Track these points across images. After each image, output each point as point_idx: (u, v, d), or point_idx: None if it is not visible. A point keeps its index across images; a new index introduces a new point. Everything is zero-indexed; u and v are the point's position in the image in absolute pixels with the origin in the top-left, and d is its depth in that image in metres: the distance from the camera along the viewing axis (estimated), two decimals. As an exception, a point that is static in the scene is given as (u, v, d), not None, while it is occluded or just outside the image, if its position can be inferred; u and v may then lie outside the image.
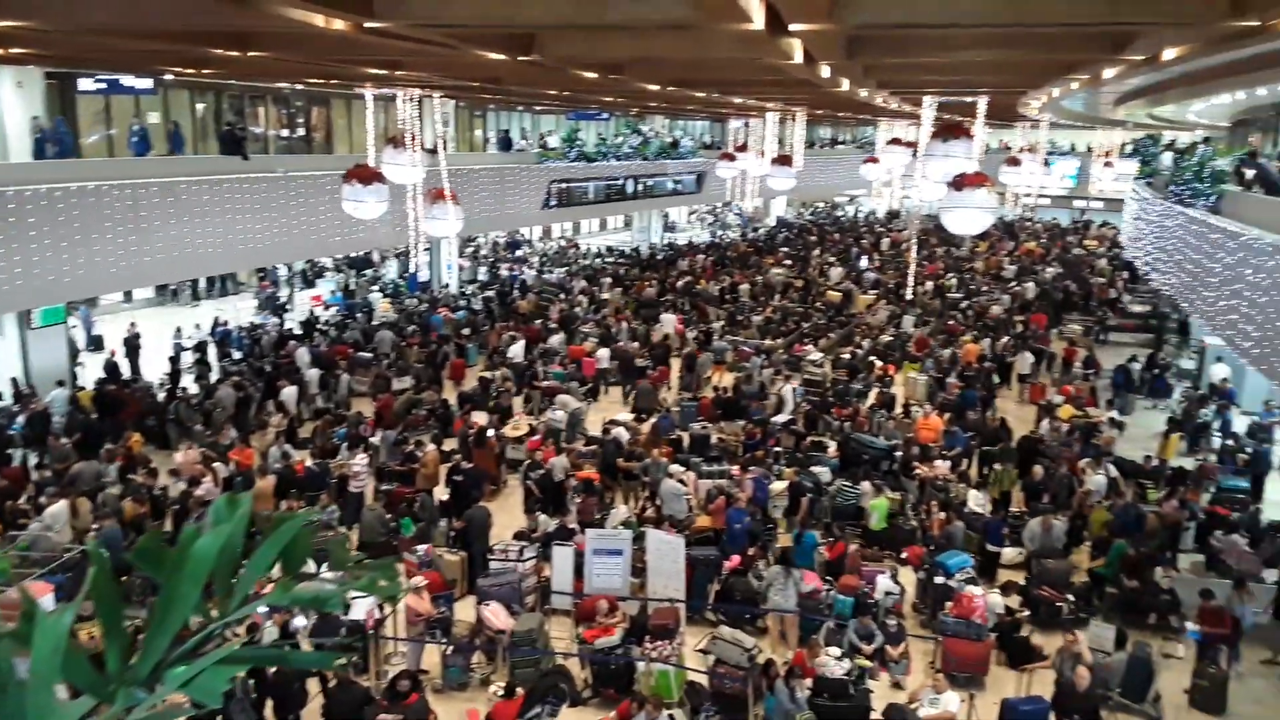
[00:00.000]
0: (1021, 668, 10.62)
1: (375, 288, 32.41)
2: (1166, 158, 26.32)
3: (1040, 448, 16.24)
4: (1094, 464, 15.07)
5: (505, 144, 32.79)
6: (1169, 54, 9.55)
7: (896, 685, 10.63)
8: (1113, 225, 43.41)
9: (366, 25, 7.85)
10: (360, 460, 14.57)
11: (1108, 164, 33.37)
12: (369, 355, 21.63)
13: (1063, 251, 40.10)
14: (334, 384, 19.61)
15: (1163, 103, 19.91)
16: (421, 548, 12.14)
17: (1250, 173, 17.61)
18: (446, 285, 30.51)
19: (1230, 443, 17.81)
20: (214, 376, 20.32)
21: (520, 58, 10.22)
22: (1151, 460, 16.25)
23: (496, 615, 10.74)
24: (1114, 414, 19.63)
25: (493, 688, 9.98)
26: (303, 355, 20.54)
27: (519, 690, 9.39)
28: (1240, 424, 18.77)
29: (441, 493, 14.36)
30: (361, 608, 10.55)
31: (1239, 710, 10.45)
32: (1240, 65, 11.87)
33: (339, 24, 7.78)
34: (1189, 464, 16.63)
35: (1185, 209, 18.57)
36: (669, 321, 24.98)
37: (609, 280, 31.49)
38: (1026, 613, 11.84)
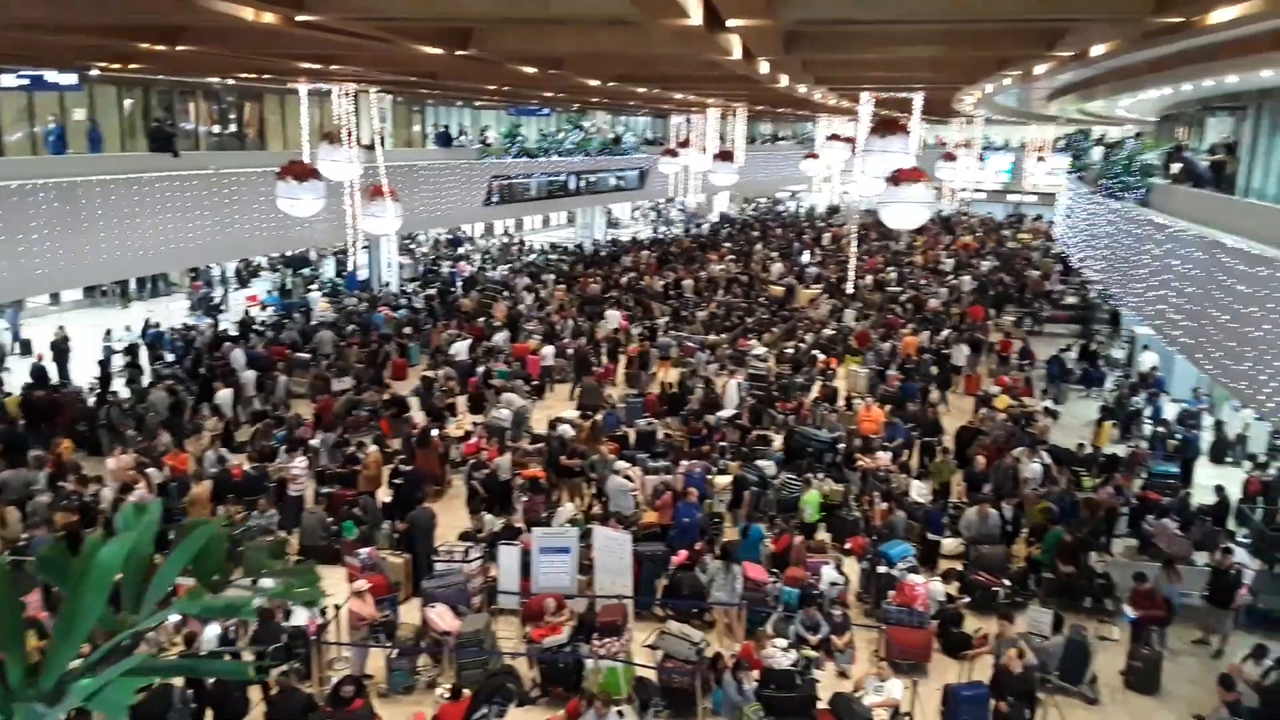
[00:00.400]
0: (961, 655, 10.83)
1: (314, 287, 31.85)
2: (1097, 152, 27.07)
3: (979, 437, 16.52)
4: (1029, 453, 15.39)
5: (445, 140, 32.44)
6: (1098, 49, 9.77)
7: (842, 674, 10.75)
8: (1046, 219, 44.44)
9: (298, 19, 7.67)
10: (299, 463, 14.31)
11: (1041, 159, 34.19)
12: (307, 356, 21.26)
13: (998, 245, 40.92)
14: (271, 386, 19.23)
15: (1093, 98, 20.38)
16: (364, 551, 11.94)
17: (1177, 166, 18.15)
18: (387, 283, 30.11)
19: (1161, 430, 18.33)
20: (146, 380, 19.83)
21: (458, 52, 10.10)
22: (1085, 448, 16.65)
23: (442, 617, 10.62)
24: (1049, 403, 20.09)
25: (439, 690, 9.87)
26: (238, 357, 20.10)
27: (465, 691, 9.30)
28: (1170, 411, 19.33)
29: (385, 494, 14.17)
30: (303, 613, 10.37)
31: (1172, 690, 10.77)
32: (1166, 61, 12.19)
33: (269, 17, 7.61)
34: (1122, 451, 17.08)
35: (1115, 202, 19.05)
36: (614, 318, 24.96)
37: (552, 277, 31.39)
38: (966, 599, 12.07)
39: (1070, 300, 30.30)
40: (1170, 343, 15.37)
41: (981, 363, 22.80)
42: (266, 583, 1.50)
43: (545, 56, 12.58)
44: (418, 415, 17.35)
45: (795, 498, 14.23)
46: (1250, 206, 14.94)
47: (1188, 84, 15.50)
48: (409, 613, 11.39)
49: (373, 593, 10.83)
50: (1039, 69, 12.14)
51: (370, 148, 18.06)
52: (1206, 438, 18.25)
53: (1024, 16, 8.04)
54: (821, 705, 9.48)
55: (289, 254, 33.68)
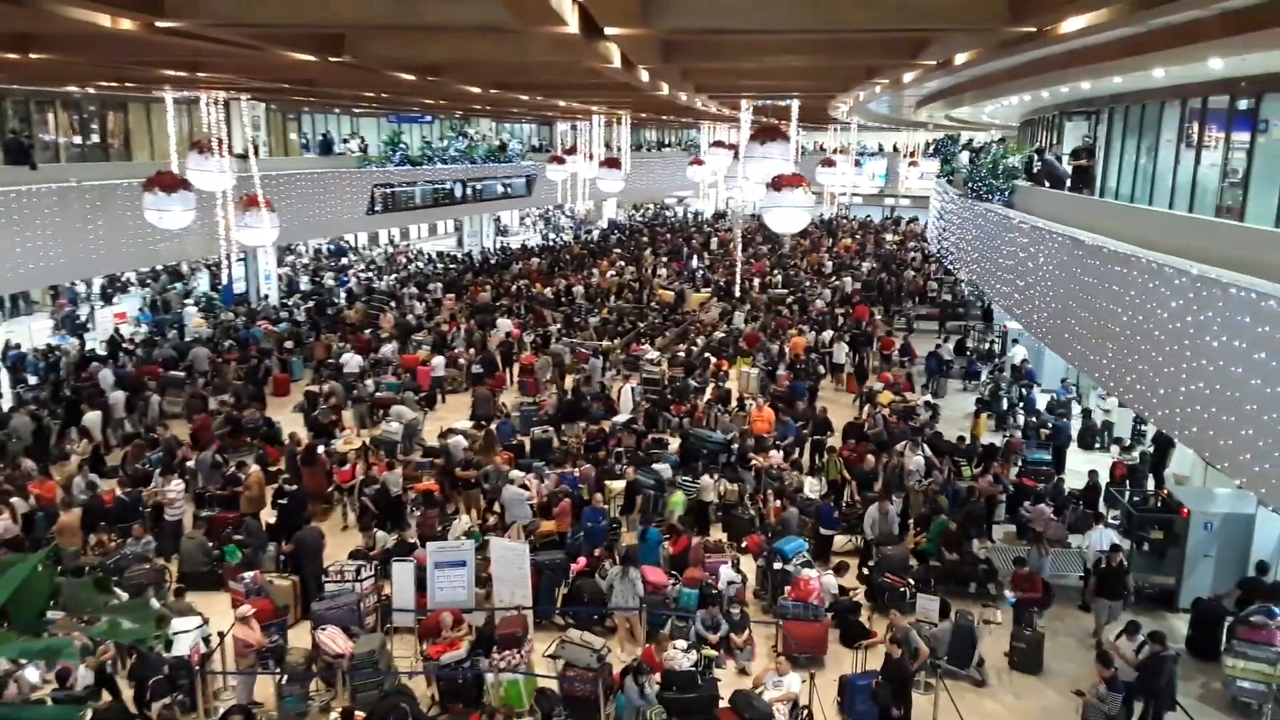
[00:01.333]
0: (857, 645, 11.12)
1: (188, 301, 30.55)
2: (964, 156, 28.16)
3: (866, 433, 16.99)
4: (912, 446, 15.91)
5: (326, 148, 31.59)
6: (960, 58, 10.19)
7: (742, 671, 10.90)
8: (921, 221, 46.03)
9: (158, 25, 7.36)
10: (175, 486, 13.71)
11: (913, 163, 35.28)
12: (181, 374, 20.39)
13: (876, 247, 42.23)
14: (143, 406, 18.37)
15: (959, 105, 21.25)
16: (249, 575, 11.51)
17: (1038, 168, 19.04)
18: (266, 296, 29.09)
19: (1033, 419, 19.20)
20: (6, 404, 18.73)
21: (331, 58, 9.85)
22: (965, 439, 17.31)
23: (334, 639, 10.32)
24: (929, 397, 20.82)
25: (333, 715, 9.60)
26: (106, 377, 19.17)
27: (359, 714, 9.05)
28: (1041, 401, 20.26)
29: (269, 515, 13.68)
30: (185, 642, 9.93)
31: (1055, 668, 11.28)
32: (1024, 69, 12.79)
33: (127, 24, 7.28)
34: (998, 440, 17.80)
35: (982, 204, 19.88)
36: (505, 326, 24.75)
37: (439, 286, 30.95)
38: (861, 588, 12.39)
39: (945, 299, 31.45)
40: (1038, 336, 16.10)
41: (866, 359, 23.47)
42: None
43: (422, 63, 12.40)
44: (302, 432, 16.83)
45: (691, 499, 14.40)
46: (1102, 205, 15.81)
47: (1045, 90, 16.29)
48: (299, 637, 11.03)
49: (259, 618, 10.45)
50: (906, 77, 12.58)
51: (244, 157, 17.43)
52: (1075, 425, 19.20)
53: (886, 27, 8.31)
54: (723, 704, 9.59)
55: (159, 268, 32.24)
